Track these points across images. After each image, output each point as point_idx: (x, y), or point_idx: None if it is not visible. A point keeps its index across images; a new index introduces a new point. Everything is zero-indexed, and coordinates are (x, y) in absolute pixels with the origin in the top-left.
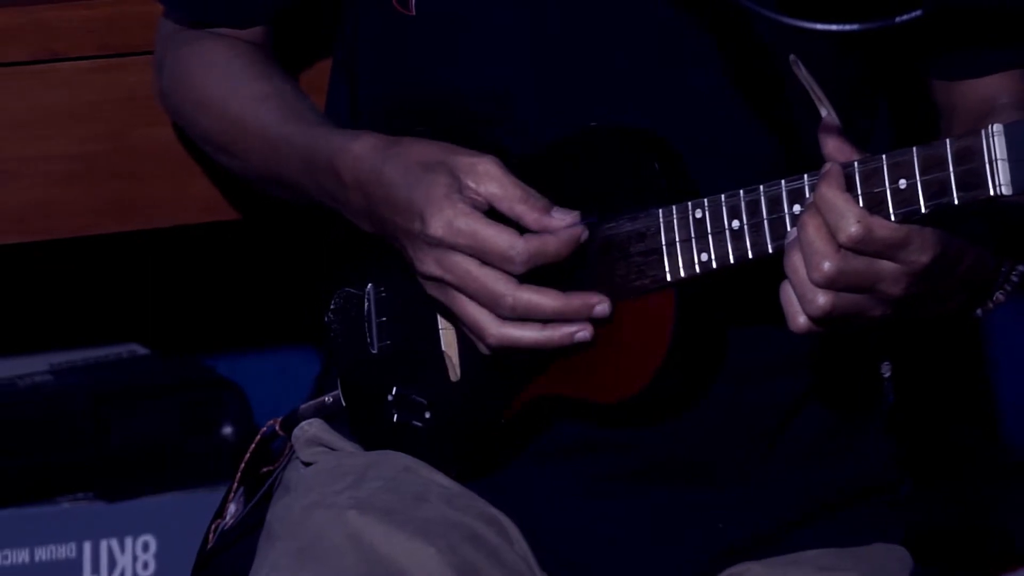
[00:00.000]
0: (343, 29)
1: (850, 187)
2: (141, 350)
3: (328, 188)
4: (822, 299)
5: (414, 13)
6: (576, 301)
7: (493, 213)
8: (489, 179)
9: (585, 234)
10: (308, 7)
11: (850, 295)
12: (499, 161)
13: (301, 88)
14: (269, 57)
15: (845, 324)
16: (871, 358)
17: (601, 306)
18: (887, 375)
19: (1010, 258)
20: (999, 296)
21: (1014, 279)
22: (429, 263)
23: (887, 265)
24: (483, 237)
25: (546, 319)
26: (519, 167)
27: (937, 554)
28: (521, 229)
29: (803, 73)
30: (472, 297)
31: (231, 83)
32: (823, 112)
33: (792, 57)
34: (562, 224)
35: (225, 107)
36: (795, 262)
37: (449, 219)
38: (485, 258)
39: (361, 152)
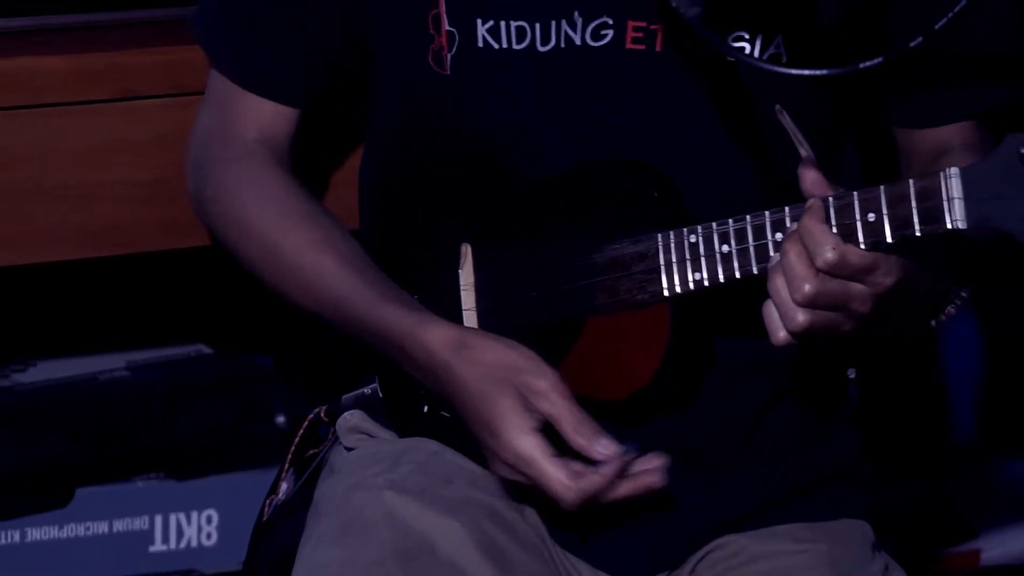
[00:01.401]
0: (374, 92)
1: (826, 219)
2: (206, 349)
3: (392, 356)
4: (801, 317)
5: (448, 72)
6: (636, 484)
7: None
8: (549, 402)
9: (624, 465)
10: (342, 85)
11: (825, 313)
12: (558, 379)
13: (341, 224)
14: (305, 188)
15: (820, 338)
16: (839, 362)
17: (655, 480)
18: (852, 377)
19: (961, 281)
20: (950, 309)
21: (964, 295)
22: (503, 470)
23: (857, 287)
24: (544, 476)
25: (604, 491)
26: (535, 191)
27: (894, 528)
28: None
29: (786, 120)
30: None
31: (284, 221)
32: (803, 152)
33: (777, 107)
34: (601, 455)
35: (278, 248)
36: (777, 284)
37: (517, 450)
38: (543, 486)
39: (434, 347)
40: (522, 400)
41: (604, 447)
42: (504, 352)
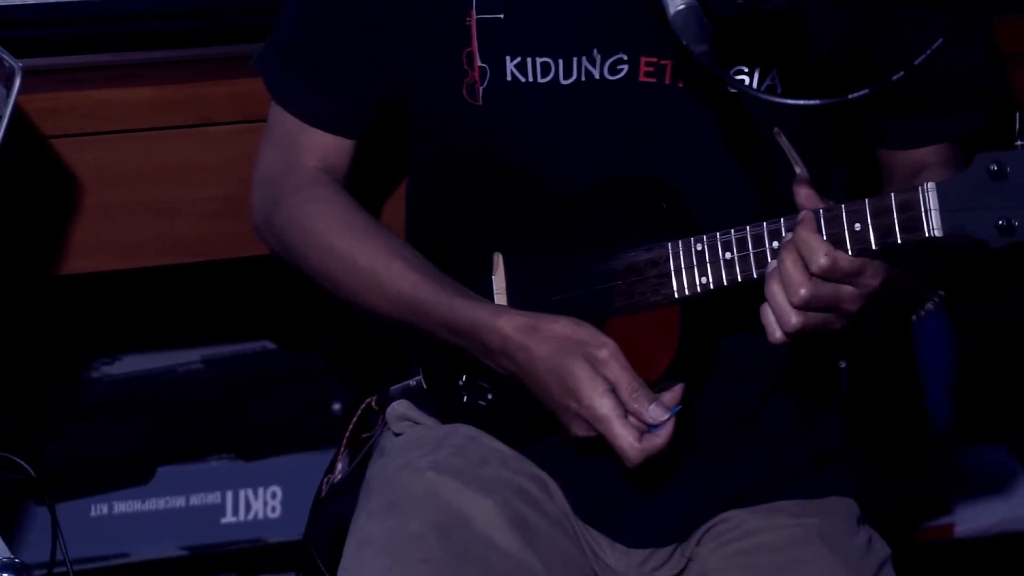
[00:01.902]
0: (415, 122)
1: (817, 229)
2: (271, 346)
3: (465, 346)
4: (795, 319)
5: (481, 103)
6: (668, 428)
7: None
8: (609, 369)
9: (672, 426)
10: (389, 120)
11: (817, 314)
12: (616, 348)
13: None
14: (369, 214)
15: (813, 338)
16: (830, 358)
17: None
18: (843, 366)
19: (940, 284)
20: (929, 306)
21: (941, 293)
22: (581, 429)
23: (847, 289)
24: (614, 434)
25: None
26: (559, 207)
27: (877, 505)
28: None
29: (783, 141)
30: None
31: (355, 235)
32: (797, 170)
33: (776, 130)
34: (652, 419)
35: (354, 259)
36: (774, 289)
37: (595, 411)
38: (613, 443)
39: (508, 331)
40: (592, 367)
41: (656, 412)
42: (570, 328)
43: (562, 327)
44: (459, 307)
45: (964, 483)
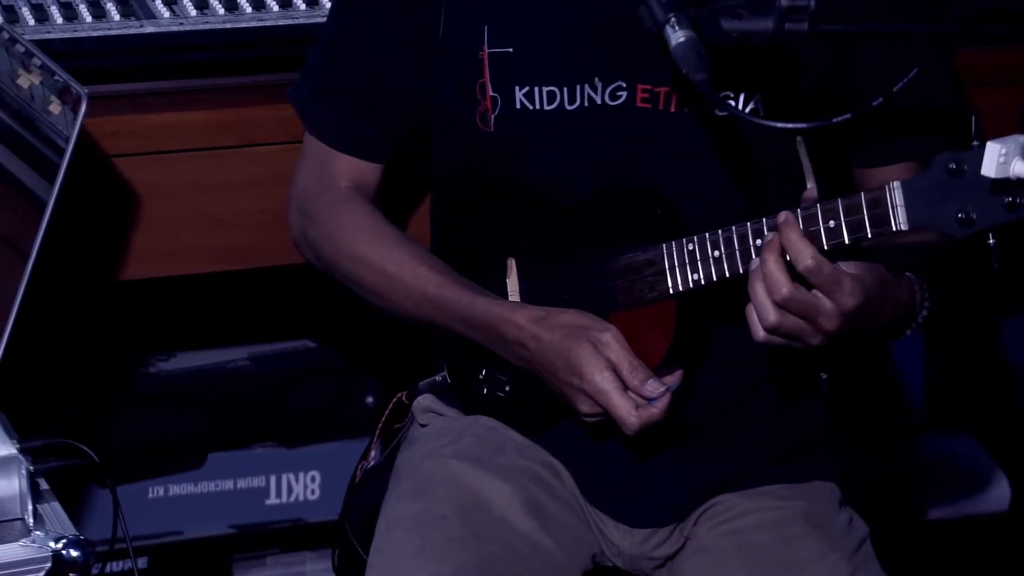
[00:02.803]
0: (436, 146)
1: (797, 227)
2: (311, 344)
3: (484, 340)
4: (774, 316)
5: (492, 130)
6: (664, 401)
7: None
8: (610, 349)
9: (669, 399)
10: (412, 144)
11: (794, 319)
12: (618, 333)
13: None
14: (396, 227)
15: (792, 340)
16: (812, 363)
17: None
18: (824, 377)
19: (934, 299)
20: (908, 333)
21: (919, 320)
22: (585, 405)
23: (825, 302)
24: (614, 404)
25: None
26: (565, 216)
27: (857, 488)
28: None
29: (802, 151)
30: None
31: (383, 245)
32: (809, 184)
33: (799, 138)
34: (650, 394)
35: (383, 265)
36: (756, 286)
37: (596, 385)
38: (612, 413)
39: (522, 323)
40: (595, 347)
41: (652, 387)
42: (575, 316)
43: (569, 317)
44: (479, 304)
45: (936, 470)
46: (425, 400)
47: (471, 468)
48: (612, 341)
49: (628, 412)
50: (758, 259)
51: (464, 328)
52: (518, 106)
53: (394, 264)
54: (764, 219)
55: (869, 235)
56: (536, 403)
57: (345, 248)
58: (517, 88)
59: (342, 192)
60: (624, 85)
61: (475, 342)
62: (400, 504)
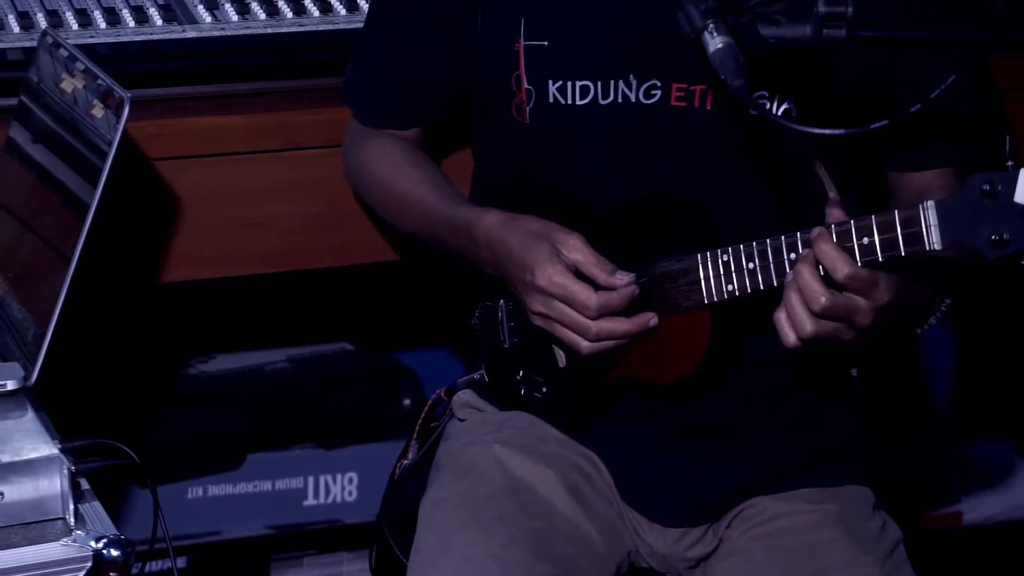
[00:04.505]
0: (478, 135)
1: (831, 243)
2: (349, 347)
3: (464, 244)
4: (811, 326)
5: (528, 122)
6: (637, 320)
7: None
8: (576, 250)
9: (636, 291)
10: (451, 117)
11: (830, 323)
12: (583, 237)
13: (444, 172)
14: (423, 151)
15: (825, 344)
16: (842, 362)
17: (653, 320)
18: (855, 375)
19: (947, 295)
20: (932, 321)
21: (943, 309)
22: (536, 304)
23: (861, 301)
24: (572, 290)
25: (619, 338)
26: (600, 220)
27: (891, 492)
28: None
29: (821, 171)
30: (566, 327)
31: (398, 170)
32: (831, 194)
33: (816, 162)
34: (620, 283)
35: (394, 187)
36: (791, 297)
37: (550, 275)
38: (572, 305)
39: (490, 223)
40: (555, 251)
41: (620, 277)
42: (542, 222)
43: (536, 222)
44: (459, 210)
45: (971, 475)
46: (464, 395)
47: (515, 454)
48: (577, 241)
49: (588, 296)
50: (792, 271)
51: (448, 235)
52: (551, 99)
53: (403, 185)
54: (799, 233)
55: (903, 253)
56: (572, 404)
57: (369, 175)
58: (550, 82)
59: (379, 131)
60: (659, 83)
61: (462, 254)
62: (444, 487)
